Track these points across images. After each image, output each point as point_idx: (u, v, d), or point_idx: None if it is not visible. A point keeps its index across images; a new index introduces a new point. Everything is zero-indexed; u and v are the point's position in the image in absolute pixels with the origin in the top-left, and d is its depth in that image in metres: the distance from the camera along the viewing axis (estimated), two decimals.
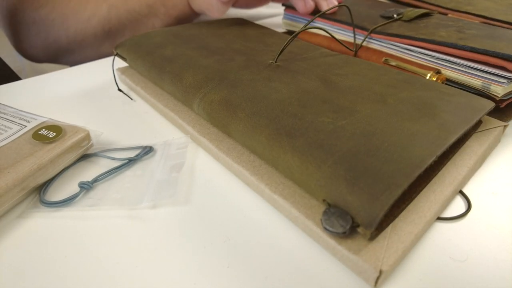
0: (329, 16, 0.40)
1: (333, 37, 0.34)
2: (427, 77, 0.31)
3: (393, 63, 0.34)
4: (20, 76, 0.52)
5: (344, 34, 0.39)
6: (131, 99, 0.35)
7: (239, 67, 0.29)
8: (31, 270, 0.20)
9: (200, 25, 0.40)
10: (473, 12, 0.41)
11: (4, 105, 0.30)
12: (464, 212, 0.22)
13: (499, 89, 0.28)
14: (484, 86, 0.29)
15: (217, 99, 0.26)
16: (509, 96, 0.29)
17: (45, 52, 0.52)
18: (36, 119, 0.27)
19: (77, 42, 0.50)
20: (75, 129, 0.27)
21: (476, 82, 0.29)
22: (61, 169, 0.26)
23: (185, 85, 0.28)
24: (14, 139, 0.25)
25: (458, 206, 0.22)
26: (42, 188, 0.24)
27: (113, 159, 0.27)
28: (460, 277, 0.19)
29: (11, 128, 0.26)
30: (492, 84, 0.28)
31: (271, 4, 0.51)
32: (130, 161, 0.26)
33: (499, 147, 0.27)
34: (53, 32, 0.49)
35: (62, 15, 0.48)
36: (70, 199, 0.23)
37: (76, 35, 0.49)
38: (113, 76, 0.38)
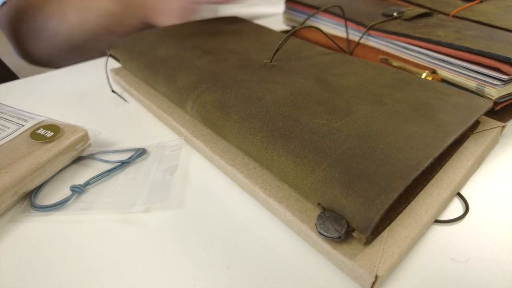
0: (328, 11, 0.40)
1: (328, 37, 0.34)
2: (423, 77, 0.31)
3: (390, 62, 0.34)
4: (19, 76, 0.51)
5: (341, 30, 0.39)
6: (125, 100, 0.34)
7: (233, 68, 0.29)
8: (22, 274, 0.19)
9: (194, 24, 0.39)
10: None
11: (2, 104, 0.29)
12: (462, 215, 0.21)
13: (493, 92, 0.27)
14: (478, 88, 0.28)
15: (210, 101, 0.26)
16: (504, 99, 0.28)
17: (44, 57, 0.53)
18: (34, 119, 0.27)
19: (54, 54, 0.51)
20: (73, 128, 0.26)
21: (471, 84, 0.29)
22: (59, 169, 0.25)
23: (179, 86, 0.28)
24: (12, 139, 0.25)
25: (456, 208, 0.22)
26: (33, 192, 0.24)
27: (106, 161, 0.27)
28: (461, 278, 0.18)
29: (8, 128, 0.26)
30: (486, 86, 0.28)
31: (271, 2, 0.51)
32: (123, 164, 0.26)
33: (498, 148, 0.27)
34: (42, 40, 0.50)
35: (38, 28, 0.49)
36: (61, 203, 0.23)
37: (49, 48, 0.50)
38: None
